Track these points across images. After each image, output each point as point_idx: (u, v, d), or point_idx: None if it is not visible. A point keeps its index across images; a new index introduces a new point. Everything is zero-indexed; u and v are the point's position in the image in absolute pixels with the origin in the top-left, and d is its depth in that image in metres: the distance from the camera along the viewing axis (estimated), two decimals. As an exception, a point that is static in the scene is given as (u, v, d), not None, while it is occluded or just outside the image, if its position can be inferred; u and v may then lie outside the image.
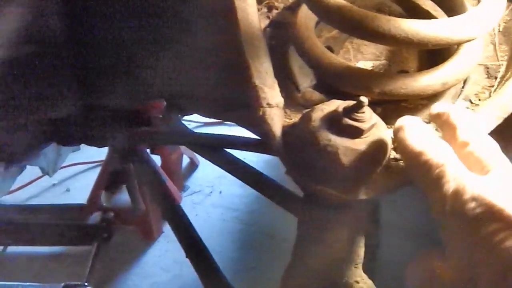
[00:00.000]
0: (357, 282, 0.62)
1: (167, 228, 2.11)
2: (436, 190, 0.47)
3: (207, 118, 1.98)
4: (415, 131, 0.55)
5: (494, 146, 0.52)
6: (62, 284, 1.61)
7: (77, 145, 1.26)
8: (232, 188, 2.28)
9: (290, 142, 0.65)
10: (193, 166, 2.40)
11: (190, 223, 1.09)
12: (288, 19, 0.83)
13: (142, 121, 1.20)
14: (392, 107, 0.74)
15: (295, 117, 0.71)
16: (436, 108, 0.59)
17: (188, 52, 0.88)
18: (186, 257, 1.05)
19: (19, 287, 1.65)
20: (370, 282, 0.63)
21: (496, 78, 0.78)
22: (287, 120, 0.70)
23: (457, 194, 0.45)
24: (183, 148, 2.22)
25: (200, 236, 1.06)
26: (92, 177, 2.09)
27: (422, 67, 0.82)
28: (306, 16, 0.78)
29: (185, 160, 2.37)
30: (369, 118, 0.60)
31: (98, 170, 2.10)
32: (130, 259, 1.99)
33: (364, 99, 0.59)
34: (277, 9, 0.85)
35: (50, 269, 1.93)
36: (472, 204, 0.44)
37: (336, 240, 0.63)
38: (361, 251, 0.65)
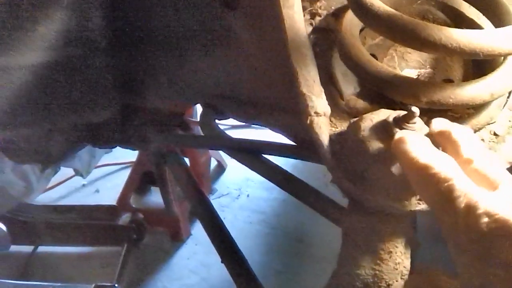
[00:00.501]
0: None
1: (195, 230, 2.12)
2: (446, 204, 0.47)
3: (234, 121, 1.98)
4: (418, 143, 0.54)
5: (497, 162, 0.53)
6: (93, 285, 1.63)
7: (113, 147, 1.27)
8: (259, 192, 2.29)
9: (337, 151, 0.65)
10: (220, 169, 2.41)
11: (224, 225, 1.09)
12: (332, 26, 0.82)
13: (179, 124, 1.21)
14: (437, 116, 0.73)
15: (341, 126, 0.71)
16: (437, 125, 0.59)
17: (234, 56, 0.88)
18: (222, 262, 1.05)
19: (51, 287, 1.67)
20: None
21: (542, 87, 0.77)
22: (333, 129, 0.70)
23: (469, 209, 0.45)
24: (211, 151, 2.23)
25: (233, 238, 1.06)
26: (121, 178, 2.12)
27: (467, 76, 0.81)
28: (351, 22, 0.78)
29: (213, 163, 2.37)
30: (420, 128, 0.60)
31: (127, 171, 2.13)
32: (159, 261, 2.00)
33: (416, 110, 0.59)
34: (320, 16, 0.85)
35: (80, 269, 1.95)
36: (485, 219, 0.43)
37: (386, 251, 0.62)
38: (408, 263, 0.65)
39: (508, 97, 0.78)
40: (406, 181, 0.57)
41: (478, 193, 0.46)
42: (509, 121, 0.76)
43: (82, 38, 0.93)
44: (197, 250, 2.03)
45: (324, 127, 0.66)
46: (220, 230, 1.09)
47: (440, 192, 0.47)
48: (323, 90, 0.68)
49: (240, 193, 2.30)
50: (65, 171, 2.13)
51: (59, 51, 0.92)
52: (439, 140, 0.58)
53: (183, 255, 2.02)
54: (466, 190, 0.46)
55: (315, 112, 0.66)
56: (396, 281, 0.62)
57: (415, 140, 0.55)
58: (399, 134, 0.57)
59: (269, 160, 0.98)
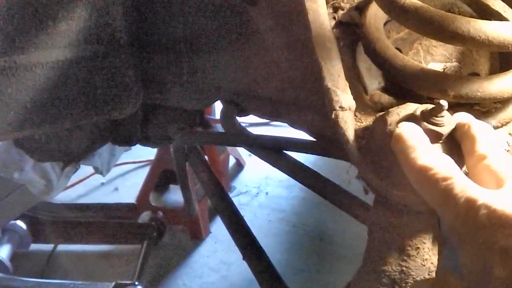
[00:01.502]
0: None
1: (214, 228, 2.12)
2: (447, 201, 0.48)
3: (253, 119, 1.98)
4: (416, 141, 0.54)
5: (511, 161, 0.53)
6: (113, 283, 1.64)
7: (134, 144, 1.27)
8: (278, 190, 2.28)
9: (363, 146, 0.64)
10: (239, 167, 2.42)
11: (245, 222, 1.08)
12: (355, 19, 0.81)
13: (200, 122, 1.21)
14: (464, 110, 0.72)
15: (366, 120, 0.69)
16: (457, 117, 0.59)
17: (256, 53, 0.87)
18: (243, 259, 1.04)
19: (71, 286, 1.68)
20: None
21: None
22: (358, 124, 0.69)
23: (469, 203, 0.46)
24: (229, 149, 2.23)
25: (254, 235, 1.05)
26: (140, 176, 2.13)
27: (494, 70, 0.80)
28: (375, 16, 0.77)
29: (231, 161, 2.37)
30: (448, 122, 0.58)
31: (146, 169, 2.13)
32: (179, 259, 2.01)
33: (444, 103, 0.57)
34: (343, 9, 0.84)
35: (100, 267, 1.97)
36: (484, 211, 0.45)
37: (413, 247, 0.61)
38: (435, 259, 0.63)
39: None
40: None
41: (477, 189, 0.48)
42: (537, 115, 0.74)
43: (103, 35, 0.93)
44: (216, 248, 2.03)
45: (350, 121, 0.65)
46: (241, 227, 1.09)
47: (440, 191, 0.49)
48: (347, 84, 0.67)
49: (259, 191, 2.29)
50: (84, 170, 2.14)
51: (80, 48, 0.92)
52: (458, 134, 0.58)
53: (203, 253, 2.02)
54: (465, 187, 0.48)
55: (340, 107, 0.65)
56: (424, 277, 0.61)
57: (412, 137, 0.55)
58: (399, 128, 0.57)
59: (291, 157, 0.97)
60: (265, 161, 0.98)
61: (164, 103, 1.09)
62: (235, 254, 1.93)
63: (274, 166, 0.97)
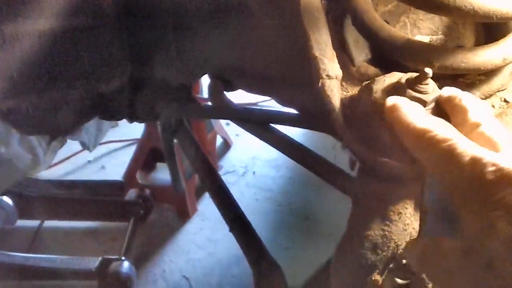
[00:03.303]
0: None
1: (201, 207, 2.14)
2: (449, 161, 0.49)
3: (241, 98, 1.98)
4: (412, 109, 0.55)
5: (504, 128, 0.54)
6: (100, 258, 1.65)
7: (121, 119, 1.27)
8: (265, 169, 2.30)
9: (348, 115, 0.65)
10: (227, 146, 2.42)
11: (232, 196, 1.09)
12: (344, -9, 0.82)
13: (187, 97, 1.21)
14: (449, 82, 0.73)
15: (352, 91, 0.71)
16: (447, 91, 0.59)
17: (244, 27, 0.88)
18: (230, 231, 1.06)
19: (58, 260, 1.69)
20: None
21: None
22: (344, 93, 0.70)
23: (475, 161, 0.47)
24: (217, 128, 2.24)
25: (240, 208, 1.07)
26: (127, 155, 2.13)
27: (479, 43, 0.81)
28: (363, -11, 0.77)
29: (219, 141, 2.38)
30: (432, 90, 0.60)
31: (133, 148, 2.13)
32: (166, 236, 2.02)
33: (429, 70, 0.59)
34: (331, -18, 0.84)
35: (87, 244, 1.98)
36: (491, 168, 0.46)
37: (395, 212, 0.63)
38: (417, 224, 0.65)
39: (519, 64, 0.78)
40: None
41: (480, 148, 0.49)
42: (521, 88, 0.76)
43: (91, 7, 0.92)
44: (203, 226, 2.04)
45: (336, 90, 0.66)
46: (228, 200, 1.10)
47: (441, 152, 0.49)
48: (335, 54, 0.68)
49: (246, 170, 2.31)
50: (70, 148, 2.14)
51: (67, 19, 0.92)
52: (447, 107, 0.59)
53: (190, 231, 2.04)
54: (469, 146, 0.49)
55: (327, 75, 0.65)
56: (405, 241, 0.63)
57: (408, 105, 0.56)
58: (390, 100, 0.57)
59: (278, 130, 0.98)
60: (252, 134, 0.99)
61: (151, 77, 1.09)
62: (221, 232, 1.96)
63: (261, 139, 0.98)
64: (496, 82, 0.75)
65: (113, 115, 1.24)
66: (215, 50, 0.97)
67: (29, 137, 1.35)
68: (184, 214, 2.09)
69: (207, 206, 2.10)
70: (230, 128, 2.41)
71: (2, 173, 1.36)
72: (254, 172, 2.29)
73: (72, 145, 1.83)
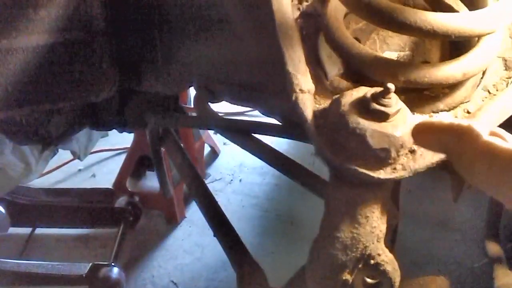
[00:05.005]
0: (379, 254, 0.67)
1: (189, 213, 2.18)
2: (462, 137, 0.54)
3: (227, 110, 2.03)
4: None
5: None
6: (90, 264, 1.69)
7: (111, 129, 1.32)
8: (251, 176, 2.35)
9: (320, 125, 0.70)
10: (214, 154, 2.47)
11: (217, 202, 1.14)
12: (318, 10, 0.87)
13: (175, 107, 1.26)
14: (415, 95, 0.78)
15: (324, 103, 0.75)
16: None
17: (228, 40, 0.93)
18: (214, 235, 1.11)
19: (49, 266, 1.72)
20: (390, 255, 0.68)
21: (513, 69, 0.83)
22: (317, 105, 0.75)
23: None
24: (205, 137, 2.28)
25: (224, 213, 1.12)
26: (117, 163, 2.17)
27: (444, 58, 0.86)
28: (335, 8, 0.83)
29: (206, 149, 2.43)
30: (395, 103, 0.65)
31: (122, 157, 2.18)
32: (155, 241, 2.06)
33: (391, 86, 0.64)
34: (307, 1, 0.90)
35: (77, 250, 2.01)
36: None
37: (363, 215, 0.67)
38: (384, 227, 0.70)
39: (481, 77, 0.83)
40: (383, 152, 0.63)
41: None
42: (482, 100, 0.81)
43: (82, 22, 0.97)
44: (191, 232, 2.09)
45: (308, 103, 0.71)
46: (213, 206, 1.15)
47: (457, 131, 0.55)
48: (307, 69, 0.73)
49: (233, 178, 2.35)
50: (61, 156, 2.17)
51: (59, 34, 0.96)
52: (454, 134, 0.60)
53: (178, 236, 2.08)
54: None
55: (300, 89, 0.71)
56: (372, 243, 0.67)
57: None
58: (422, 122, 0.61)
59: (261, 140, 1.04)
60: (235, 143, 1.04)
61: (139, 88, 1.14)
62: (209, 238, 2.00)
63: (243, 148, 1.03)
64: (459, 95, 0.80)
65: (103, 125, 1.28)
66: (199, 62, 1.02)
67: (21, 146, 1.39)
68: (172, 220, 2.13)
69: (195, 213, 2.15)
70: (217, 137, 2.46)
71: (-5, 182, 1.40)
72: (240, 180, 2.34)
73: (63, 154, 1.87)
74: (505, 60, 0.86)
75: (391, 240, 0.75)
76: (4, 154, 1.38)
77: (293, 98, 0.71)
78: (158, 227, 2.11)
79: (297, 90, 0.71)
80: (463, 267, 1.71)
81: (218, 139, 2.44)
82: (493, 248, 0.91)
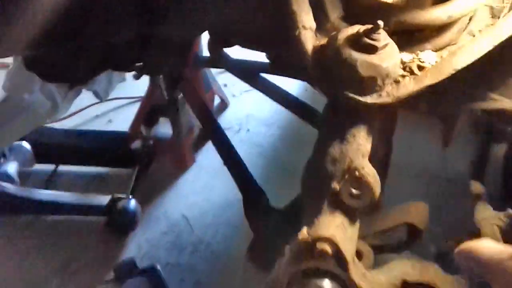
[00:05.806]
0: (363, 168, 0.75)
1: (199, 158, 2.30)
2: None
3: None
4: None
5: None
6: (110, 196, 1.84)
7: (130, 71, 1.42)
8: (258, 127, 2.45)
9: (318, 57, 0.82)
10: (224, 105, 2.54)
11: (228, 138, 1.26)
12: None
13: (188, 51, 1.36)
14: (406, 37, 0.89)
15: (324, 40, 0.86)
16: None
17: None
18: (224, 164, 1.22)
19: (73, 197, 1.87)
20: (373, 169, 0.75)
21: (499, 18, 0.93)
22: (317, 42, 0.86)
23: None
24: (215, 88, 2.38)
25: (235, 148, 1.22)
26: (132, 111, 2.26)
27: (436, 2, 0.95)
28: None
29: (216, 100, 2.52)
30: (383, 39, 0.76)
31: (137, 105, 2.27)
32: (167, 183, 2.19)
33: (380, 22, 0.75)
34: None
35: (96, 186, 2.16)
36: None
37: (351, 134, 0.78)
38: (369, 147, 0.79)
39: (468, 22, 0.93)
40: (370, 79, 0.75)
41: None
42: (467, 44, 0.91)
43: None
44: (201, 176, 2.20)
45: (309, 39, 0.82)
46: (224, 141, 1.26)
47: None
48: (310, 9, 0.84)
49: (241, 128, 2.45)
50: (79, 103, 2.29)
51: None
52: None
53: (189, 179, 2.20)
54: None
55: (303, 26, 0.82)
56: (358, 159, 0.76)
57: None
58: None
59: (266, 78, 1.14)
60: (243, 81, 1.14)
61: (156, 32, 1.23)
62: (217, 180, 2.14)
63: (251, 86, 1.14)
64: (445, 38, 0.90)
65: (124, 67, 1.38)
66: (212, 10, 1.11)
67: (49, 85, 1.49)
68: (183, 165, 2.25)
69: (205, 158, 2.25)
70: (227, 89, 2.55)
71: (25, 119, 1.50)
72: (248, 130, 2.43)
73: (81, 101, 1.98)
74: (492, 9, 0.95)
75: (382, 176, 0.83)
76: (33, 92, 1.48)
77: (296, 33, 0.82)
78: (170, 170, 2.23)
79: (300, 26, 0.82)
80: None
81: (227, 92, 2.54)
82: (476, 187, 1.03)
